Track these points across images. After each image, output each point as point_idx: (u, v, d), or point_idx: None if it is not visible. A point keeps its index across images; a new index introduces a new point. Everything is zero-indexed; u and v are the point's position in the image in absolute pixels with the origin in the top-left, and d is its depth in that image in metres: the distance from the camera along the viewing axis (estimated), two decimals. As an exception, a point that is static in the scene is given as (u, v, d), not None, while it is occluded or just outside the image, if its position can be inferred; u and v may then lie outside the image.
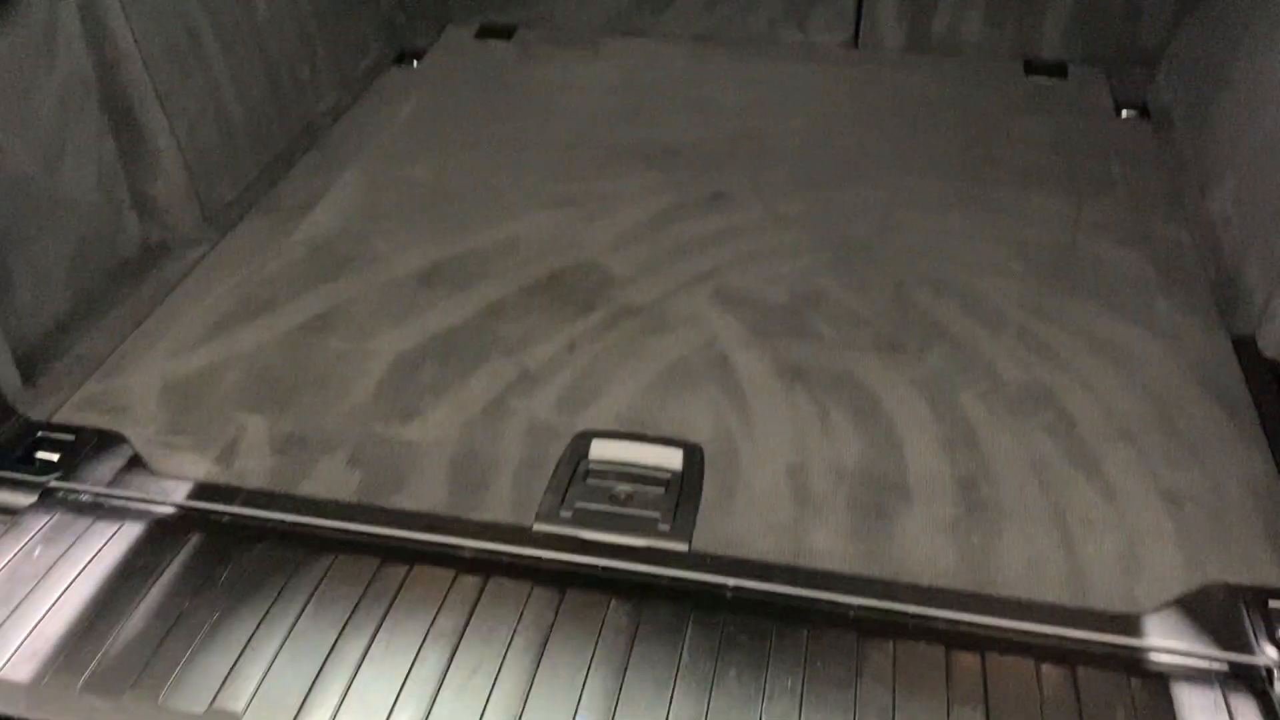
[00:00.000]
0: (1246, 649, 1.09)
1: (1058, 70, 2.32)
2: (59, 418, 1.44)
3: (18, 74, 1.50)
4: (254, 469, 1.36)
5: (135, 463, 1.36)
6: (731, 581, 1.18)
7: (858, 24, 2.43)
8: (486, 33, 2.53)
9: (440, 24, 2.56)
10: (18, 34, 1.49)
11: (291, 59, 2.09)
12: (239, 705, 1.04)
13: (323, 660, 1.08)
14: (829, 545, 1.24)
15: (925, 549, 1.23)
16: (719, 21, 2.47)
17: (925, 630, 1.12)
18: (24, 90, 1.51)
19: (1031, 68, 2.34)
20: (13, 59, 1.49)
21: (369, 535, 1.24)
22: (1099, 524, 1.26)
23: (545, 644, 1.10)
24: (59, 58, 1.57)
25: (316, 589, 1.16)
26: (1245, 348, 1.53)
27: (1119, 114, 2.18)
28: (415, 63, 2.45)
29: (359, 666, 1.08)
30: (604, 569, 1.19)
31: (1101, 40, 2.32)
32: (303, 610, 1.14)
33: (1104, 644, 1.11)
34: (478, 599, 1.15)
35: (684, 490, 1.30)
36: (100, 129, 1.66)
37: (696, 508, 1.28)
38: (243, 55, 1.94)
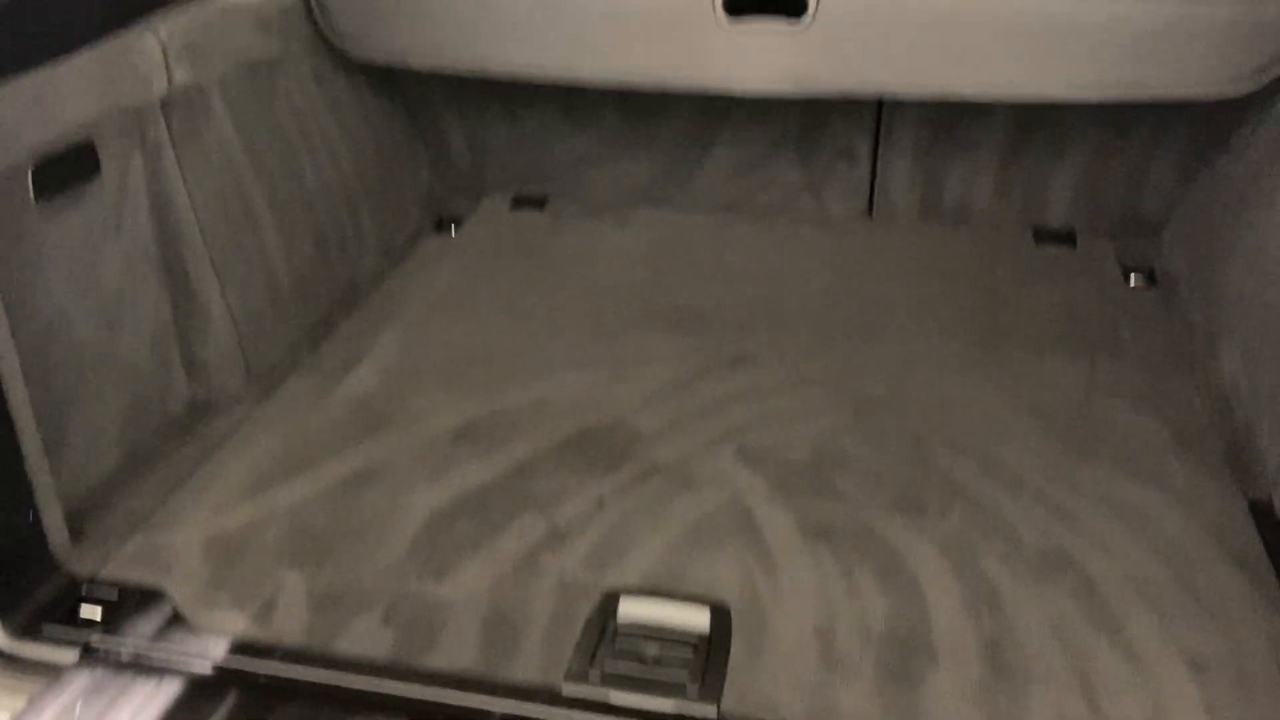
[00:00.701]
0: None
1: (1066, 238, 2.42)
2: (104, 574, 1.49)
3: (88, 246, 1.61)
4: (291, 626, 1.39)
5: (176, 619, 1.39)
6: None
7: (871, 195, 2.55)
8: (521, 203, 2.67)
9: (477, 195, 2.71)
10: (91, 209, 1.61)
11: (337, 226, 2.22)
12: None
13: None
14: (858, 707, 1.25)
15: (953, 713, 1.24)
16: (741, 193, 2.60)
17: None
18: (92, 262, 1.62)
19: (1040, 236, 2.44)
20: (85, 232, 1.60)
21: (401, 697, 1.27)
22: (1124, 689, 1.27)
23: None
24: (125, 230, 1.69)
25: None
26: (1262, 510, 1.56)
27: (1127, 281, 2.26)
28: (453, 230, 2.58)
29: None
30: None
31: (1108, 209, 2.43)
32: None
33: None
34: None
35: (712, 651, 1.32)
36: (158, 295, 1.76)
37: (725, 669, 1.30)
38: (292, 223, 2.07)
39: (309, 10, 2.16)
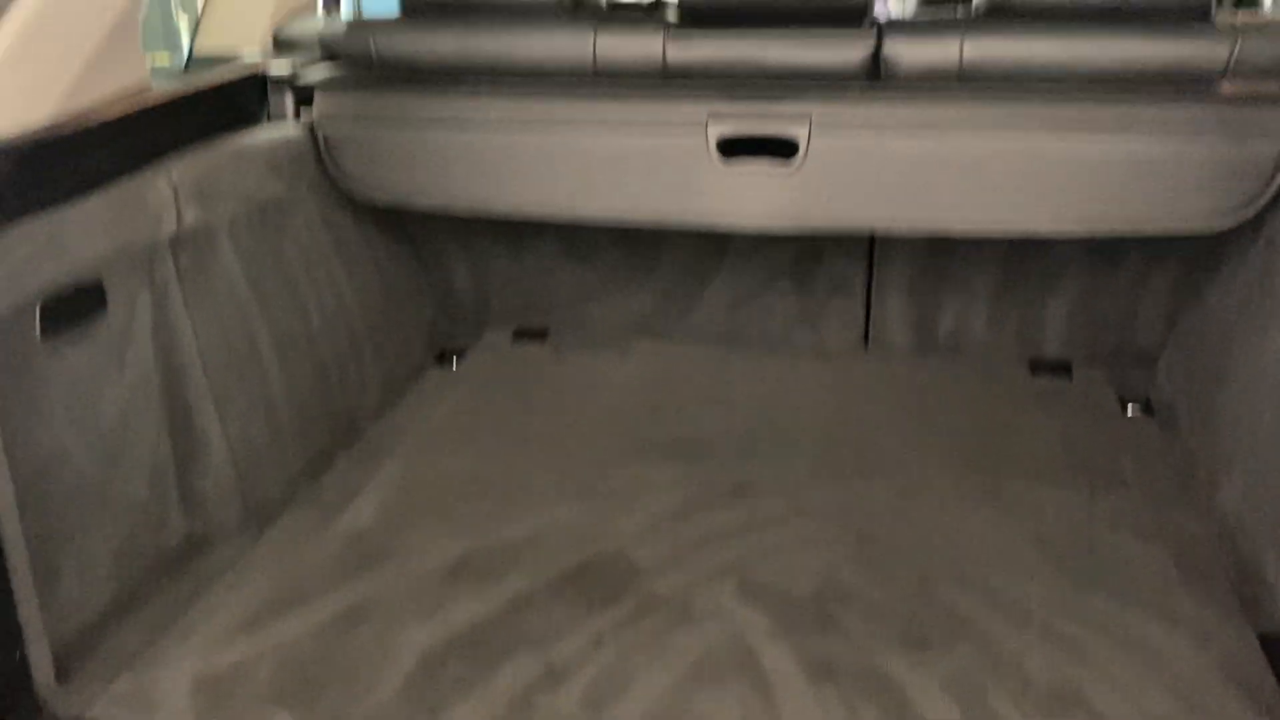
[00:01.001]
0: None
1: (1062, 369, 2.44)
2: (90, 714, 1.45)
3: (91, 382, 1.63)
4: (278, 770, 1.35)
5: None
6: None
7: (867, 327, 2.59)
8: (523, 335, 2.71)
9: (480, 328, 2.75)
10: (96, 345, 1.64)
11: (340, 361, 2.24)
12: None
13: None
14: None
15: None
16: (739, 325, 2.64)
17: None
18: (94, 397, 1.63)
19: (1036, 367, 2.46)
20: (89, 368, 1.62)
21: None
22: None
23: None
24: (129, 366, 1.71)
25: None
26: (1272, 644, 1.53)
27: (1125, 411, 2.27)
28: (455, 364, 2.61)
29: None
30: None
31: (1102, 339, 2.46)
32: None
33: None
34: None
35: None
36: (158, 430, 1.77)
37: None
38: (295, 359, 2.09)
39: (318, 154, 2.23)
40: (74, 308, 1.58)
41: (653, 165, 2.12)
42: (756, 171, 2.07)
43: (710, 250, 2.59)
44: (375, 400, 2.36)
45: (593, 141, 2.13)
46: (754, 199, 2.10)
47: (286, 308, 2.10)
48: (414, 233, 2.61)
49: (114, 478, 1.66)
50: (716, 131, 2.06)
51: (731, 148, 2.07)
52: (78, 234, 1.57)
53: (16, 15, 1.53)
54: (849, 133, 2.02)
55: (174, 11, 7.30)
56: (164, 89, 1.91)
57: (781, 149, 2.05)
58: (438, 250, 2.66)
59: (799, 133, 2.03)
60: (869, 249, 2.51)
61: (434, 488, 2.04)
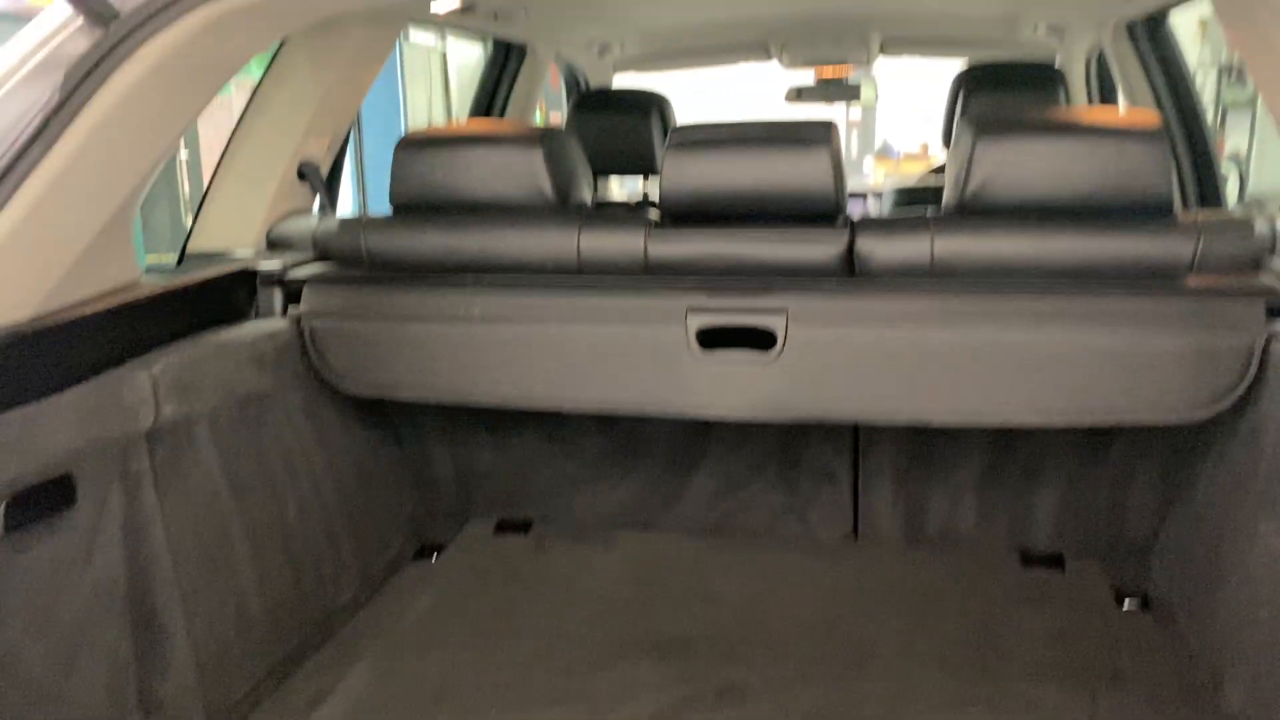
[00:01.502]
0: None
1: (1054, 561, 2.39)
2: None
3: (53, 579, 1.58)
4: None
5: None
6: None
7: (855, 518, 2.55)
8: (505, 527, 2.66)
9: (462, 520, 2.70)
10: (62, 541, 1.60)
11: (315, 556, 2.19)
12: None
13: None
14: None
15: None
16: (725, 516, 2.60)
17: None
18: (54, 595, 1.58)
19: (1027, 559, 2.41)
20: (52, 565, 1.58)
21: None
22: None
23: None
24: (95, 561, 1.66)
25: None
26: None
27: (1120, 604, 2.21)
28: (435, 557, 2.55)
29: None
30: None
31: (1093, 530, 2.42)
32: None
33: None
34: None
35: None
36: (119, 629, 1.71)
37: None
38: (269, 554, 2.04)
39: (303, 348, 2.26)
40: (41, 501, 1.56)
41: (634, 356, 2.14)
42: (736, 362, 2.09)
43: (694, 440, 2.59)
44: (351, 596, 2.29)
45: (575, 333, 2.16)
46: (734, 390, 2.11)
47: (263, 500, 2.07)
48: (397, 424, 2.61)
49: (69, 683, 1.59)
50: (696, 324, 2.09)
51: (711, 339, 2.10)
52: (50, 429, 1.56)
53: (10, 211, 1.57)
54: (825, 326, 2.05)
55: (183, 214, 7.52)
56: (152, 284, 1.95)
57: (760, 340, 2.08)
58: (420, 441, 2.65)
59: (776, 325, 2.06)
60: (854, 438, 2.50)
61: (404, 694, 1.96)
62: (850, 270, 2.16)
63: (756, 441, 2.56)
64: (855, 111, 12.82)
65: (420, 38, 10.08)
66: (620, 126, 3.61)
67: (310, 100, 2.47)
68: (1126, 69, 3.32)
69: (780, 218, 2.22)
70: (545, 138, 2.33)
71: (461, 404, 2.27)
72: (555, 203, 2.31)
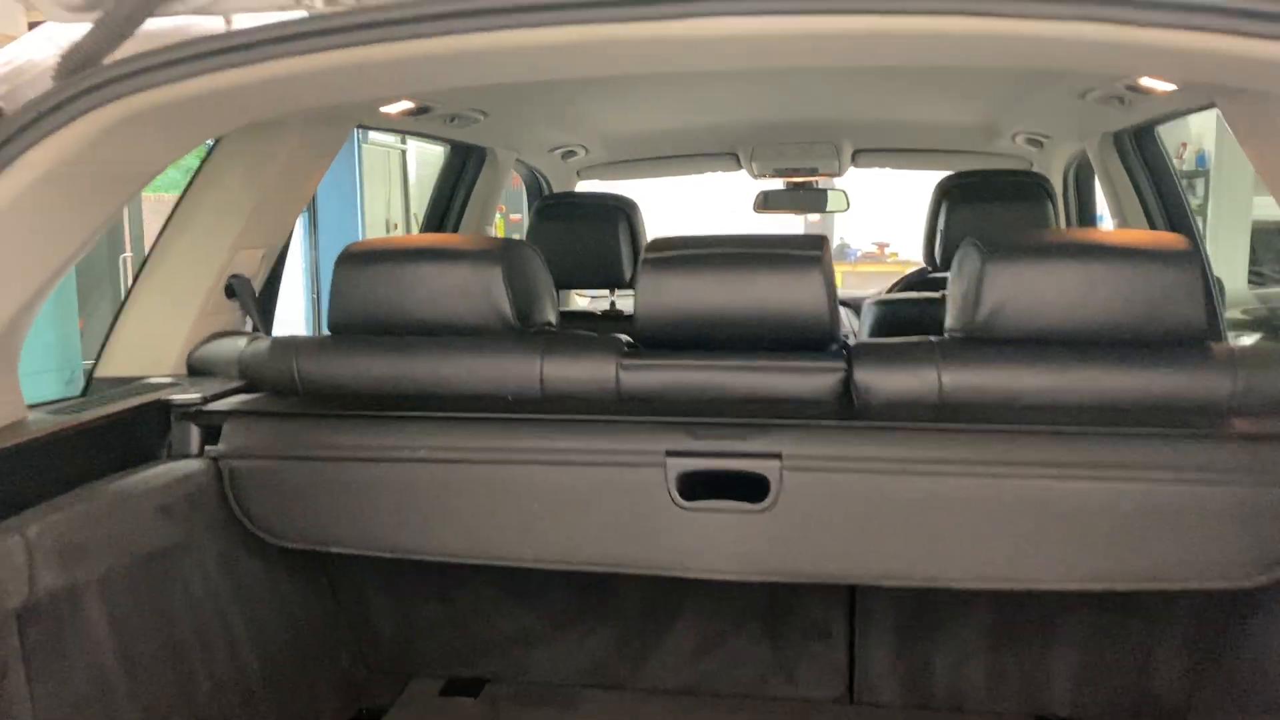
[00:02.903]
0: None
1: None
2: None
3: None
4: None
5: None
6: None
7: (851, 678, 2.27)
8: (454, 688, 2.34)
9: (404, 679, 2.38)
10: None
11: None
12: None
13: None
14: None
15: None
16: (705, 675, 2.30)
17: None
18: None
19: None
20: None
21: None
22: None
23: None
24: None
25: None
26: None
27: None
28: None
29: None
30: None
31: (1117, 696, 2.15)
32: None
33: None
34: None
35: None
36: None
37: None
38: None
39: (221, 492, 1.96)
40: None
41: (606, 505, 1.87)
42: (722, 512, 1.83)
43: (671, 590, 2.30)
44: None
45: (538, 477, 1.89)
46: (719, 545, 1.84)
47: (165, 675, 1.75)
48: (331, 573, 2.30)
49: None
50: (676, 469, 1.83)
51: (693, 487, 1.84)
52: None
53: None
54: (825, 472, 1.80)
55: (75, 331, 6.82)
56: (41, 423, 1.67)
57: (749, 489, 1.83)
58: (357, 591, 2.34)
59: (769, 471, 1.81)
60: (849, 588, 2.24)
61: None
62: (848, 404, 1.92)
63: (740, 592, 2.28)
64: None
65: (380, 136, 9.95)
66: (586, 235, 3.38)
67: (243, 207, 2.22)
68: (1114, 179, 3.18)
69: (767, 344, 1.98)
70: (506, 251, 2.09)
71: (406, 556, 1.98)
72: (516, 325, 2.06)
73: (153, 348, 2.16)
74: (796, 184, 4.45)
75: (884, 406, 1.89)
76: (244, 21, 1.49)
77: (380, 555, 1.99)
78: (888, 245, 13.38)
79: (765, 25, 1.33)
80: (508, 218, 12.46)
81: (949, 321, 1.97)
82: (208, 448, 1.97)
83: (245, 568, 2.01)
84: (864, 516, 1.79)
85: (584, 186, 4.45)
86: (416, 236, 2.50)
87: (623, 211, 3.45)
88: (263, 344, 2.17)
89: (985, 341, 1.89)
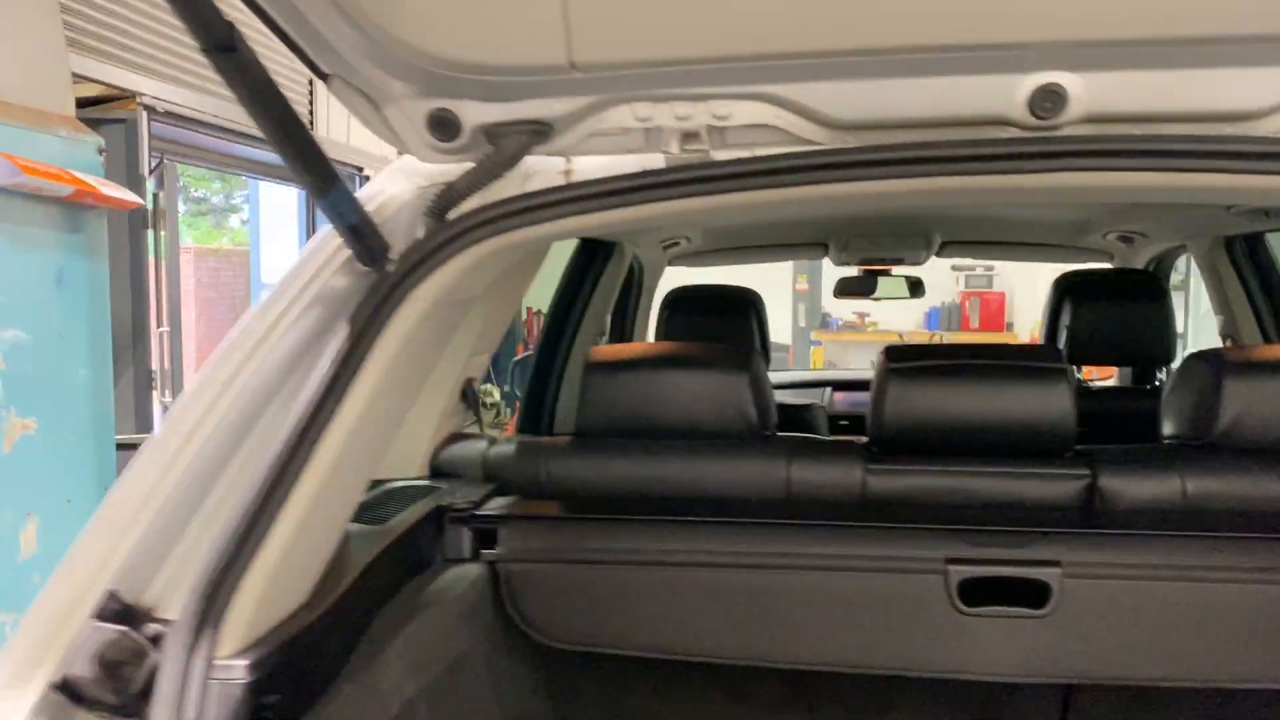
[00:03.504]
0: None
1: None
2: None
3: None
4: None
5: None
6: None
7: None
8: None
9: None
10: None
11: None
12: None
13: None
14: None
15: None
16: None
17: None
18: None
19: None
20: None
21: None
22: None
23: None
24: None
25: None
26: None
27: None
28: None
29: None
30: None
31: None
32: None
33: None
34: None
35: None
36: None
37: None
38: None
39: (497, 597, 2.00)
40: None
41: (884, 609, 1.95)
42: (1003, 617, 1.92)
43: (880, 690, 2.35)
44: None
45: (814, 582, 1.97)
46: (1002, 647, 1.93)
47: None
48: (603, 683, 2.30)
49: None
50: (958, 576, 1.92)
51: (974, 593, 1.93)
52: None
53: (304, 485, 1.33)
54: (1100, 580, 1.90)
55: None
56: (363, 535, 1.70)
57: (1027, 594, 1.91)
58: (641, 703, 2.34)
59: (1049, 578, 1.90)
60: (1064, 700, 2.30)
61: None
62: (1090, 509, 2.03)
63: (949, 691, 2.34)
64: (800, 280, 13.15)
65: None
66: (718, 325, 3.49)
67: (484, 314, 2.28)
68: (1224, 282, 3.36)
69: (1007, 450, 2.09)
70: (748, 360, 2.18)
71: (680, 658, 2.03)
72: (759, 429, 2.15)
73: (402, 450, 2.19)
74: (873, 271, 4.60)
75: (1129, 512, 2.00)
76: (585, 163, 1.58)
77: (649, 656, 2.03)
78: (867, 315, 13.69)
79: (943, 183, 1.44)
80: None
81: (1175, 428, 2.10)
82: (484, 551, 2.01)
83: (518, 667, 2.04)
84: (1148, 618, 1.89)
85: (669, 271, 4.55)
86: (657, 345, 2.57)
87: (751, 304, 3.56)
88: (508, 446, 2.22)
89: (1223, 449, 2.01)
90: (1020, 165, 1.40)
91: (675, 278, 4.21)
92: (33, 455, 4.95)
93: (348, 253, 1.50)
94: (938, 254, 4.32)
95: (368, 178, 9.50)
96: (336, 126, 9.76)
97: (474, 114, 1.50)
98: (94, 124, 5.50)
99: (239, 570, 1.19)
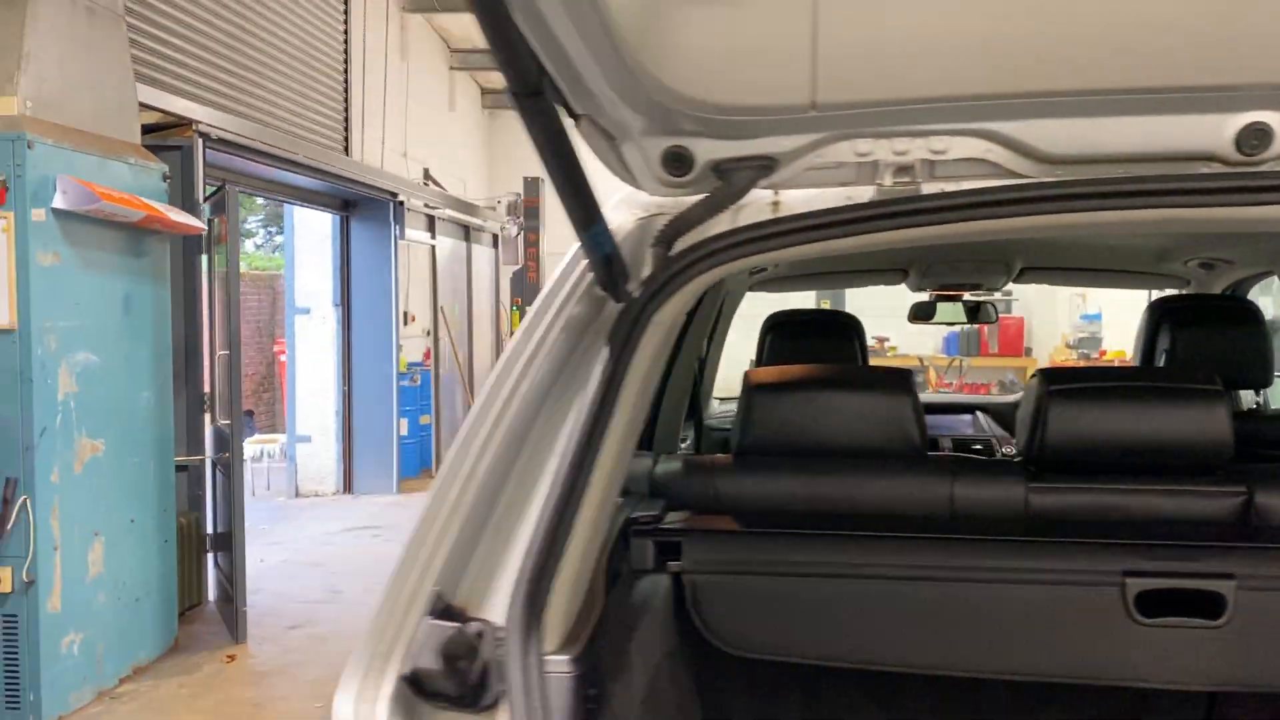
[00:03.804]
0: None
1: None
2: None
3: None
4: None
5: None
6: None
7: None
8: None
9: None
10: None
11: None
12: None
13: None
14: None
15: None
16: None
17: None
18: None
19: None
20: None
21: None
22: None
23: None
24: None
25: None
26: None
27: None
28: None
29: None
30: None
31: None
32: None
33: None
34: None
35: None
36: None
37: None
38: None
39: (681, 607, 2.03)
40: None
41: (1061, 618, 1.99)
42: (1178, 627, 1.96)
43: (1028, 697, 2.39)
44: None
45: (1004, 594, 2.01)
46: (1177, 657, 1.96)
47: None
48: (776, 690, 2.34)
49: None
50: (1136, 588, 1.96)
51: (1150, 605, 1.97)
52: None
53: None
54: (1273, 591, 1.94)
55: None
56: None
57: (1202, 605, 1.96)
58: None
59: (1225, 590, 1.94)
60: (1209, 699, 2.35)
61: None
62: (1247, 522, 2.08)
63: (1095, 698, 2.38)
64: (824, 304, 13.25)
65: (413, 232, 10.10)
66: (822, 349, 3.53)
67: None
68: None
69: (1164, 468, 2.14)
70: (906, 381, 2.23)
71: (861, 666, 2.06)
72: (921, 448, 2.19)
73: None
74: (946, 296, 4.65)
75: None
76: (791, 195, 1.63)
77: (828, 664, 2.07)
78: (887, 339, 13.78)
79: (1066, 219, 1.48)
80: (523, 309, 12.62)
81: None
82: (670, 563, 2.05)
83: (703, 674, 2.07)
84: None
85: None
86: (816, 367, 2.62)
87: (852, 327, 3.61)
88: (675, 464, 2.26)
89: None
90: (1227, 199, 1.46)
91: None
92: (100, 477, 4.98)
93: (587, 280, 1.55)
94: (1017, 279, 4.38)
95: (401, 203, 9.66)
96: (370, 153, 9.90)
97: (707, 150, 1.54)
98: (154, 150, 5.56)
99: (549, 573, 1.25)
